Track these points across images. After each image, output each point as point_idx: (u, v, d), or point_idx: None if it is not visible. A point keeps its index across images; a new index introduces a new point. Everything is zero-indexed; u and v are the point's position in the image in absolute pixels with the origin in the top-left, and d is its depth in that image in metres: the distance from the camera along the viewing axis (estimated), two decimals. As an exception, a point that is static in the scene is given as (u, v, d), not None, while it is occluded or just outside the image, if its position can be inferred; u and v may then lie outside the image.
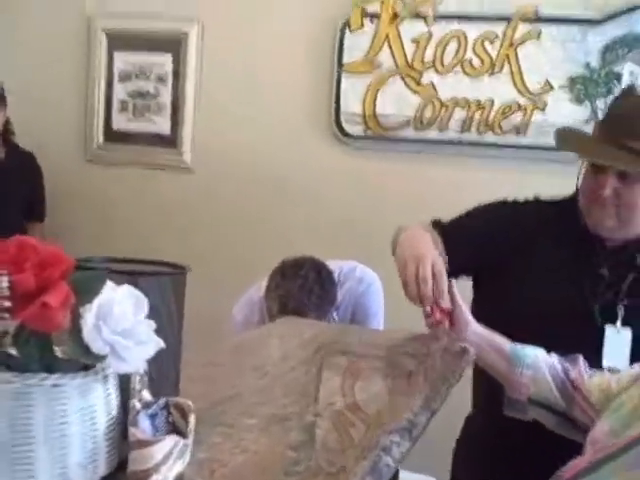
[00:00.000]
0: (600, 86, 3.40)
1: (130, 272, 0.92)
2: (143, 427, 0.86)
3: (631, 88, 1.87)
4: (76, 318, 0.77)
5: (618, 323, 1.76)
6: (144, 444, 0.83)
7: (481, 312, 1.84)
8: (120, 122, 3.96)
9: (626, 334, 1.76)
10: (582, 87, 3.43)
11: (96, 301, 0.79)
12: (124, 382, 0.89)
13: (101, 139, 3.99)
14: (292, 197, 3.65)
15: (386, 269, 3.22)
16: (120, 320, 0.79)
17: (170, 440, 0.86)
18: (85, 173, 3.99)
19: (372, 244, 3.43)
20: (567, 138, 1.97)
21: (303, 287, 2.35)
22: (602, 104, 3.35)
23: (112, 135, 3.97)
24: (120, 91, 3.96)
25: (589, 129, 3.24)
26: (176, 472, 0.87)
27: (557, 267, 1.83)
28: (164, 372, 0.97)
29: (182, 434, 0.92)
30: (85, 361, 0.80)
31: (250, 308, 2.55)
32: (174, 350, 0.99)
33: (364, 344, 1.68)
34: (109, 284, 0.82)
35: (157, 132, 3.91)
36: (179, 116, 3.86)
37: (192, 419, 0.93)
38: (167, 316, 0.95)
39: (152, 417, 0.89)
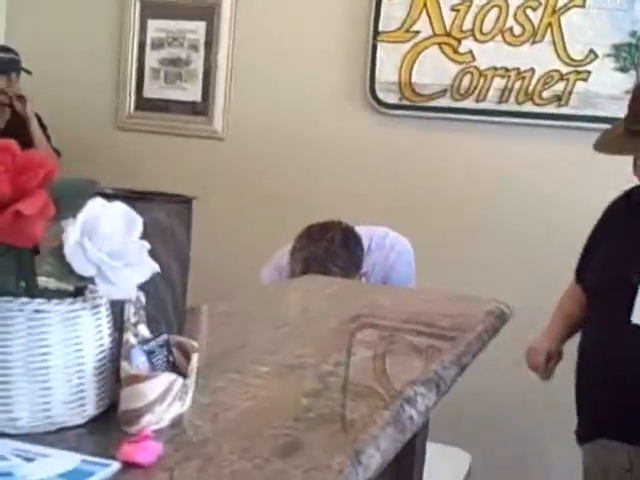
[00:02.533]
0: (647, 55, 3.26)
1: (127, 196, 0.83)
2: (137, 363, 0.78)
3: None
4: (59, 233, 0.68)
5: None
6: (136, 380, 0.75)
7: None
8: (152, 90, 3.88)
9: None
10: (628, 55, 3.28)
11: (81, 216, 0.70)
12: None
13: (132, 107, 3.92)
14: (325, 166, 3.55)
15: (420, 238, 3.14)
16: (108, 238, 0.71)
17: (167, 378, 0.78)
18: (115, 141, 3.92)
19: (407, 213, 3.35)
20: (601, 141, 2.23)
21: (328, 250, 2.27)
22: (648, 74, 3.21)
23: (143, 103, 3.89)
24: (152, 59, 3.87)
25: (634, 98, 3.16)
26: (174, 414, 0.79)
27: (617, 238, 2.16)
28: (166, 309, 0.89)
29: (184, 375, 0.83)
30: (67, 282, 0.71)
31: (279, 272, 2.46)
32: (178, 286, 0.91)
33: (393, 302, 1.59)
34: (99, 200, 0.73)
35: (189, 100, 3.82)
36: (211, 84, 3.77)
37: (195, 359, 0.85)
38: (169, 245, 0.86)
39: (149, 354, 0.81)
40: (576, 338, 2.37)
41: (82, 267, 0.70)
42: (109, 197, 0.78)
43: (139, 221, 0.74)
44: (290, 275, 2.33)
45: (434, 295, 1.67)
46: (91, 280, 0.72)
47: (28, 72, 3.60)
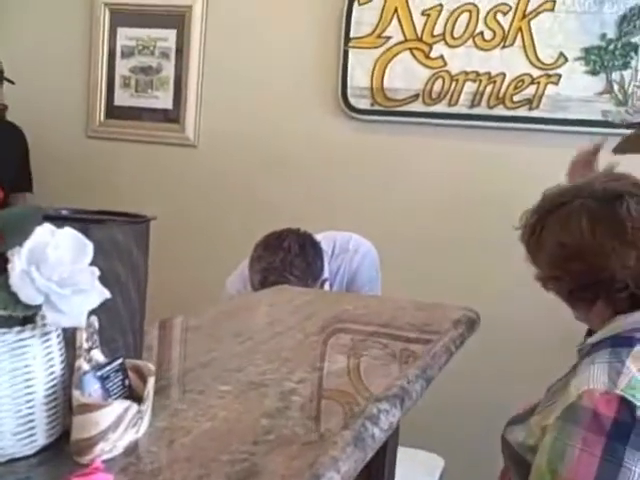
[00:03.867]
0: (616, 58, 3.28)
1: (80, 219, 0.82)
2: (90, 390, 0.77)
3: None
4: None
5: None
6: (87, 408, 0.73)
7: None
8: (122, 98, 3.86)
9: None
10: (597, 58, 3.30)
11: (27, 244, 0.69)
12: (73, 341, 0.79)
13: (103, 115, 3.90)
14: (298, 172, 3.54)
15: (392, 243, 3.14)
16: (57, 266, 0.69)
17: (120, 405, 0.76)
18: (86, 149, 3.89)
19: (379, 218, 3.35)
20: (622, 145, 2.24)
21: (284, 260, 2.25)
22: (618, 76, 3.22)
23: (114, 111, 3.87)
24: (122, 67, 3.85)
25: (604, 102, 3.17)
26: (128, 441, 0.78)
27: None
28: (122, 331, 0.87)
29: (140, 400, 0.82)
30: (14, 312, 0.70)
31: (243, 282, 2.44)
32: (134, 306, 0.90)
33: (361, 312, 1.58)
34: (47, 227, 0.71)
35: (160, 108, 3.80)
36: (182, 92, 3.75)
37: (151, 383, 0.84)
38: (125, 267, 0.85)
39: (103, 380, 0.79)
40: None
41: (29, 297, 0.68)
42: (60, 220, 0.76)
43: (89, 247, 0.73)
44: (250, 286, 2.31)
45: (402, 303, 1.66)
46: (39, 307, 0.71)
47: (11, 82, 3.58)
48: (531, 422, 1.48)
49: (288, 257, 2.26)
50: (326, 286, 2.39)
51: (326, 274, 2.41)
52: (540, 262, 1.61)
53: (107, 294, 0.74)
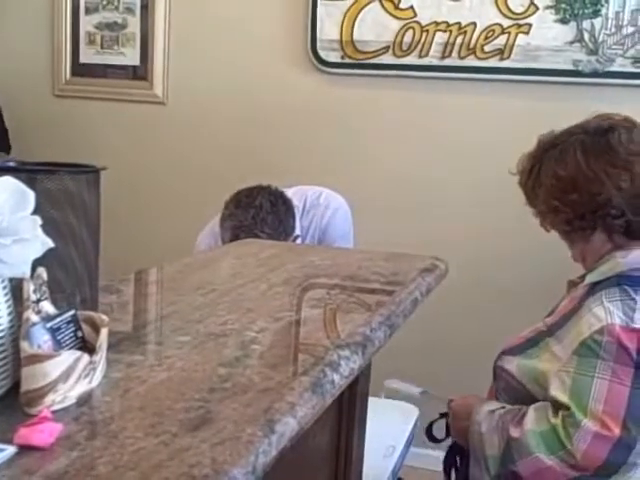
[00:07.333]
0: (586, 6, 3.25)
1: (28, 169, 0.80)
2: (39, 342, 0.75)
3: None
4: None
5: None
6: (35, 359, 0.72)
7: None
8: (88, 55, 3.80)
9: None
10: (568, 7, 3.27)
11: (-35, 192, 0.67)
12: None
13: (69, 73, 3.84)
14: (269, 127, 3.51)
15: (364, 196, 3.13)
16: (-4, 215, 0.67)
17: (70, 356, 0.75)
18: (53, 108, 3.83)
19: (351, 171, 3.34)
20: None
21: (256, 218, 2.23)
22: (588, 25, 3.20)
23: (80, 69, 3.81)
24: (87, 23, 3.78)
25: (574, 51, 3.16)
26: (80, 391, 0.77)
27: None
28: (74, 281, 0.86)
29: (94, 351, 0.81)
30: (-47, 262, 0.68)
31: (214, 238, 2.43)
32: (88, 257, 0.88)
33: (327, 264, 1.57)
34: (-14, 175, 0.69)
35: (127, 64, 3.74)
36: (149, 48, 3.69)
37: (104, 334, 0.82)
38: (75, 218, 0.83)
39: (54, 331, 0.78)
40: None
41: (-33, 246, 0.67)
42: (5, 171, 0.74)
43: (31, 195, 0.71)
44: (221, 242, 2.30)
45: (370, 254, 1.66)
46: (-19, 258, 0.69)
47: None
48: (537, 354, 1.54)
49: (260, 214, 2.25)
50: (298, 242, 2.38)
51: (297, 231, 2.40)
52: (539, 199, 1.65)
53: (50, 243, 0.73)
